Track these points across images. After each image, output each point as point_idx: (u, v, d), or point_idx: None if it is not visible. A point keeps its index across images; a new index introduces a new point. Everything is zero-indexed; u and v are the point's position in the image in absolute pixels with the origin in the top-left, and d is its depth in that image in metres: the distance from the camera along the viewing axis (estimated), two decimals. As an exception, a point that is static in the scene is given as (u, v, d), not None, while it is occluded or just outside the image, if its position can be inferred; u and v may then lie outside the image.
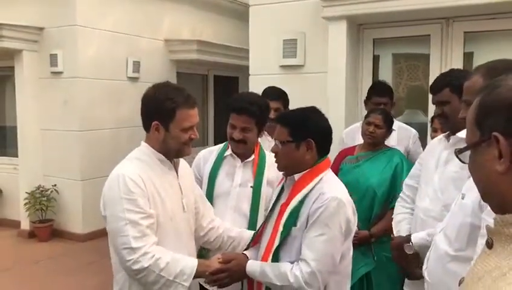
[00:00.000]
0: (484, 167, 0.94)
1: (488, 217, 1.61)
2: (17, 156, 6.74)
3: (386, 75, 4.67)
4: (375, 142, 3.33)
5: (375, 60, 4.72)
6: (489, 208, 1.66)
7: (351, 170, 3.31)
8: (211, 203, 2.64)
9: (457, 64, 4.05)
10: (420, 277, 2.21)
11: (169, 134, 2.07)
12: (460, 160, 1.03)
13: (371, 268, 3.14)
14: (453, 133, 2.41)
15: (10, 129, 7.12)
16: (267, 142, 3.74)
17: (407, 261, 2.47)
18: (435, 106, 2.56)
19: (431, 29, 4.23)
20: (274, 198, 2.25)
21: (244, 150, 2.64)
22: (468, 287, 0.99)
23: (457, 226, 1.84)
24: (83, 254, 5.79)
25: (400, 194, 2.80)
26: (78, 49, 6.21)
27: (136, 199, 1.95)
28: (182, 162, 2.30)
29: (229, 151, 2.69)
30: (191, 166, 2.61)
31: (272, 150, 2.14)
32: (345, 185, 3.17)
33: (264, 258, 2.09)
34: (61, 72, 6.32)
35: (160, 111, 2.06)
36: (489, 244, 0.96)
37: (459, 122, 2.31)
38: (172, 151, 2.13)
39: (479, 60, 4.33)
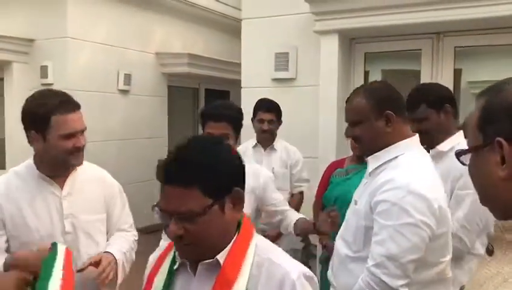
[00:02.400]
0: (485, 171, 0.93)
1: (378, 217, 1.71)
2: (4, 168, 6.65)
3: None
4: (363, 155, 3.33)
5: (366, 75, 4.75)
6: (379, 208, 1.71)
7: (341, 183, 3.31)
8: None
9: (448, 79, 4.08)
10: None
11: (48, 144, 1.94)
12: (460, 162, 1.02)
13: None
14: (432, 146, 2.42)
15: (-2, 142, 7.04)
16: (259, 154, 3.75)
17: None
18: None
19: (422, 44, 4.27)
20: None
21: None
22: None
23: (354, 230, 1.89)
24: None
25: None
26: (68, 61, 6.17)
27: None
28: (87, 175, 2.17)
29: None
30: None
31: None
32: (335, 199, 3.18)
33: None
34: (51, 84, 6.25)
35: (33, 119, 1.92)
36: (489, 251, 0.95)
37: (439, 136, 2.35)
38: (57, 163, 1.99)
39: (469, 76, 4.39)
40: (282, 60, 4.70)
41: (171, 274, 1.36)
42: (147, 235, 4.08)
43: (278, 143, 3.78)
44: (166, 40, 7.55)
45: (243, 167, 1.38)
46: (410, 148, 1.86)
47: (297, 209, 3.67)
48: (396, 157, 1.82)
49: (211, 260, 1.27)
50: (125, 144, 6.89)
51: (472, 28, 4.01)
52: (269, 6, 4.79)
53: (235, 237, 1.33)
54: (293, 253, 3.44)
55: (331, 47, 4.32)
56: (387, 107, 1.85)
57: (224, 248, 1.29)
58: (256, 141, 3.81)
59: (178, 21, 7.71)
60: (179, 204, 1.24)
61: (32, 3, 6.30)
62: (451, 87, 3.39)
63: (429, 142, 2.47)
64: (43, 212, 1.99)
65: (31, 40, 6.34)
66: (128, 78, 6.87)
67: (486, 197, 0.99)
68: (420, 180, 1.73)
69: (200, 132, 8.30)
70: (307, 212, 3.16)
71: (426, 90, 2.53)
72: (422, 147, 1.94)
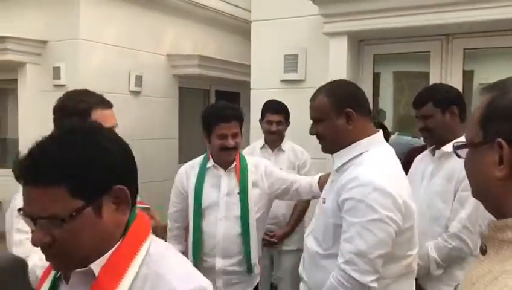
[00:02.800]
0: (481, 168, 0.94)
1: (346, 214, 1.74)
2: (17, 169, 6.73)
3: (388, 92, 4.69)
4: None
5: (376, 77, 4.74)
6: (346, 206, 1.73)
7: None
8: (200, 215, 2.66)
9: (457, 81, 4.07)
10: None
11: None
12: (457, 155, 1.03)
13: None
14: (438, 147, 2.45)
15: (11, 141, 7.14)
16: (267, 155, 3.77)
17: None
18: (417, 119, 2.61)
19: (431, 46, 4.26)
20: None
21: (235, 155, 2.67)
22: None
23: (323, 228, 1.91)
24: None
25: None
26: (81, 62, 6.25)
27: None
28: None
29: (210, 163, 2.71)
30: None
31: None
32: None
33: None
34: (63, 85, 6.34)
35: (74, 113, 2.01)
36: (482, 250, 0.96)
37: (443, 135, 2.38)
38: None
39: (480, 78, 4.38)
40: (291, 61, 4.72)
41: (55, 282, 1.19)
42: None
43: (286, 144, 3.80)
44: (177, 42, 7.61)
45: (129, 159, 1.18)
46: (374, 145, 1.89)
47: (305, 210, 3.70)
48: (360, 154, 1.86)
49: (84, 268, 1.08)
50: (136, 145, 6.84)
51: (481, 30, 3.99)
52: (278, 9, 4.81)
53: (118, 243, 1.11)
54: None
55: (339, 49, 4.32)
56: (348, 105, 1.89)
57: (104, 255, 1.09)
58: (264, 142, 3.83)
59: (189, 23, 7.77)
60: (42, 207, 1.05)
61: (45, 6, 6.40)
62: (460, 89, 3.39)
63: (433, 141, 2.51)
64: None
65: (44, 42, 6.43)
66: (139, 79, 6.94)
67: (479, 193, 1.00)
68: (384, 177, 1.76)
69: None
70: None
71: (435, 90, 2.58)
72: (386, 144, 1.97)
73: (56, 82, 6.37)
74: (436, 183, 2.44)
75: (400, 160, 2.86)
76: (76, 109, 2.01)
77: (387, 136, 3.47)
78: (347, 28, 4.23)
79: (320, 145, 2.05)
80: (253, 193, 2.67)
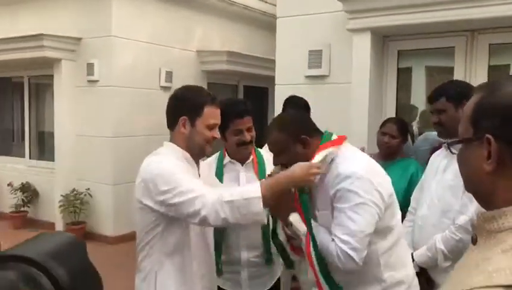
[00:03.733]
0: (472, 163, 0.99)
1: (336, 203, 1.93)
2: (53, 160, 7.03)
3: (420, 87, 4.67)
4: (390, 152, 3.35)
5: (407, 72, 4.75)
6: (336, 197, 1.89)
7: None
8: None
9: (482, 76, 4.05)
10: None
11: (195, 130, 2.14)
12: (450, 150, 1.09)
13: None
14: (452, 152, 2.47)
15: (48, 134, 7.44)
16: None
17: None
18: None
19: (455, 42, 4.24)
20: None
21: (250, 149, 2.72)
22: (448, 279, 1.05)
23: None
24: (113, 256, 5.97)
25: (409, 208, 2.86)
26: (113, 58, 6.47)
27: (176, 170, 2.03)
28: (201, 163, 2.39)
29: (227, 159, 2.75)
30: None
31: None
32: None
33: None
34: (97, 81, 6.59)
35: (189, 106, 2.13)
36: (473, 240, 1.00)
37: (455, 130, 2.39)
38: (196, 149, 2.17)
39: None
40: (315, 57, 4.78)
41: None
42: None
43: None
44: (206, 38, 7.75)
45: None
46: (340, 148, 2.06)
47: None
48: (332, 160, 2.03)
49: None
50: (166, 139, 7.10)
51: (507, 25, 3.95)
52: (303, 5, 4.88)
53: None
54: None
55: (363, 45, 4.36)
56: (300, 133, 2.07)
57: None
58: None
59: (218, 19, 7.90)
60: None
61: (80, 4, 6.64)
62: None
63: (445, 135, 2.54)
64: None
65: (78, 39, 6.67)
66: (169, 75, 7.11)
67: (470, 186, 1.05)
68: (361, 167, 1.98)
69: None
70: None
71: (449, 85, 2.63)
72: (347, 143, 2.12)
73: (90, 78, 6.61)
74: (448, 177, 2.47)
75: (427, 156, 2.93)
76: (189, 102, 2.15)
77: (406, 133, 3.46)
78: (371, 24, 4.26)
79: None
80: None
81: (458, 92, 2.50)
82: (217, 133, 2.21)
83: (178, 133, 2.17)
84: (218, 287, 2.71)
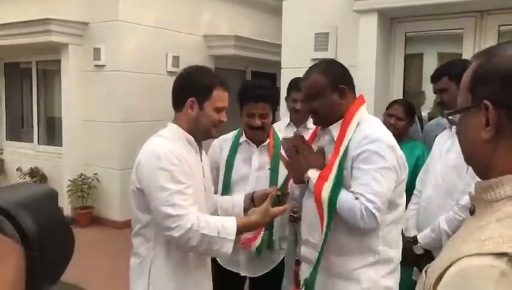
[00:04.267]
0: (470, 131, 0.97)
1: (360, 163, 1.98)
2: (61, 146, 7.07)
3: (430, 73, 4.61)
4: (396, 134, 3.30)
5: (419, 57, 4.66)
6: (361, 157, 1.95)
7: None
8: (229, 189, 2.73)
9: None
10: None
11: (203, 112, 2.11)
12: (449, 121, 1.07)
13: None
14: (453, 124, 2.45)
15: (56, 120, 7.47)
16: (292, 133, 3.80)
17: (418, 260, 2.54)
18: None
19: (464, 23, 4.16)
20: None
21: (263, 136, 2.70)
22: (444, 248, 1.03)
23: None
24: (120, 240, 6.00)
25: (414, 190, 2.83)
26: (120, 43, 6.46)
27: (177, 170, 1.99)
28: (217, 140, 2.42)
29: (243, 138, 2.75)
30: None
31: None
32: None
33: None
34: (103, 66, 6.59)
35: (198, 88, 2.09)
36: (471, 211, 0.99)
37: None
38: (201, 131, 2.15)
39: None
40: (322, 40, 4.71)
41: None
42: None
43: (311, 122, 3.81)
44: (213, 23, 7.71)
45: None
46: (364, 116, 2.09)
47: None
48: (358, 123, 2.05)
49: None
50: (173, 124, 7.12)
51: (516, 6, 3.86)
52: (309, -13, 4.80)
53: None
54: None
55: (370, 26, 4.28)
56: (340, 82, 2.07)
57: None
58: (289, 120, 3.86)
59: (225, 3, 7.84)
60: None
61: (86, -12, 6.61)
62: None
63: None
64: (195, 172, 2.16)
65: (86, 24, 6.66)
66: (176, 60, 7.09)
67: (469, 157, 1.03)
68: (387, 134, 2.04)
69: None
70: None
71: (450, 64, 2.61)
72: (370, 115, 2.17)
73: (97, 62, 6.61)
74: (451, 157, 2.46)
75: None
76: (199, 84, 2.11)
77: (412, 116, 3.41)
78: (377, 5, 4.18)
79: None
80: (283, 170, 2.70)
81: (460, 70, 2.44)
82: (224, 117, 2.17)
83: (184, 114, 2.13)
84: (218, 264, 2.73)
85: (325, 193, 1.97)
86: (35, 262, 0.77)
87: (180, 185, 1.98)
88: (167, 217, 1.94)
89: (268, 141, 2.75)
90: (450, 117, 1.02)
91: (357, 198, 1.92)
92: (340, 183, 1.98)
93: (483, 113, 0.92)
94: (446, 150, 2.52)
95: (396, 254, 2.12)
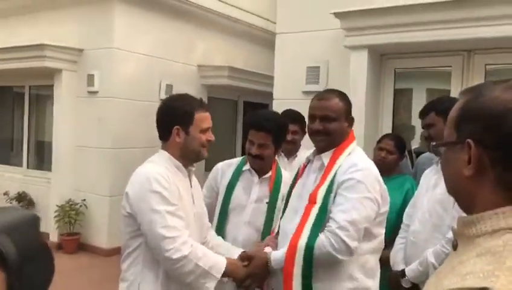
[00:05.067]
0: (453, 166, 1.00)
1: (344, 191, 2.05)
2: (50, 170, 7.02)
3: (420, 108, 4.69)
4: (386, 167, 3.34)
5: (408, 93, 4.76)
6: (345, 185, 2.02)
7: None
8: (226, 215, 2.73)
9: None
10: None
11: (190, 137, 2.17)
12: (435, 153, 1.10)
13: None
14: (439, 156, 2.53)
15: (46, 144, 7.44)
16: (282, 163, 3.83)
17: None
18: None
19: (452, 61, 4.27)
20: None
21: (260, 165, 2.71)
22: (427, 283, 1.04)
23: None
24: (107, 267, 5.92)
25: (401, 224, 2.86)
26: (114, 70, 6.51)
27: (168, 193, 2.04)
28: (194, 177, 2.39)
29: (247, 166, 2.76)
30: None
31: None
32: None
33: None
34: (96, 92, 6.61)
35: (180, 115, 2.17)
36: (454, 246, 1.00)
37: None
38: (192, 155, 2.22)
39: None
40: (313, 73, 4.81)
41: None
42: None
43: (302, 153, 3.84)
44: (207, 53, 7.81)
45: None
46: (356, 148, 2.23)
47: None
48: (349, 153, 2.17)
49: None
50: (164, 152, 7.12)
51: (503, 46, 3.98)
52: (302, 22, 4.92)
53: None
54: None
55: (360, 62, 4.38)
56: (351, 113, 2.23)
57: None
58: (280, 151, 3.89)
59: (220, 35, 7.96)
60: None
61: (81, 15, 6.71)
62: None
63: (435, 149, 2.56)
64: (185, 197, 2.21)
65: (80, 50, 6.72)
66: (170, 88, 7.14)
67: (452, 190, 1.05)
68: (374, 168, 2.14)
69: (239, 142, 8.48)
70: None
71: (437, 101, 2.70)
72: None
73: (90, 89, 6.64)
74: (438, 192, 2.50)
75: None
76: (180, 111, 2.19)
77: (403, 150, 3.46)
78: (368, 41, 4.29)
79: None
80: (280, 206, 2.67)
81: (447, 106, 2.52)
82: (210, 136, 2.24)
83: (172, 142, 2.20)
84: None
85: (302, 240, 2.02)
86: (13, 288, 0.77)
87: (172, 207, 2.03)
88: (162, 239, 1.98)
89: (270, 173, 2.76)
90: (436, 149, 1.07)
91: (322, 231, 2.00)
92: (322, 218, 2.05)
93: (466, 150, 0.94)
94: (433, 184, 2.57)
95: (374, 284, 2.16)
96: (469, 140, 0.93)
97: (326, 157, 2.19)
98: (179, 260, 1.98)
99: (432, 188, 2.58)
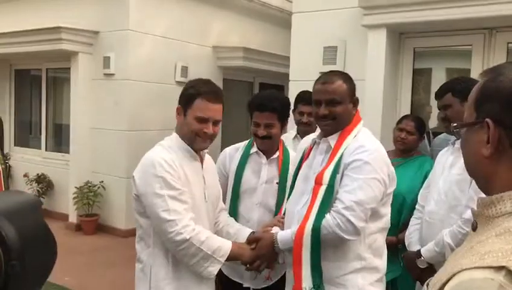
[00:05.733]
0: (473, 146, 0.99)
1: (350, 172, 2.02)
2: (68, 153, 7.11)
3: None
4: (406, 148, 3.33)
5: (428, 72, 4.69)
6: (352, 165, 2.00)
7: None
8: (238, 198, 2.74)
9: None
10: None
11: (186, 120, 2.19)
12: (455, 136, 1.09)
13: (397, 275, 3.13)
14: (458, 138, 2.49)
15: (64, 127, 7.52)
16: (298, 145, 3.81)
17: (421, 274, 2.56)
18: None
19: (473, 40, 4.17)
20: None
21: (269, 146, 2.72)
22: (446, 263, 1.04)
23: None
24: (125, 248, 5.99)
25: (416, 205, 2.84)
26: (129, 52, 6.51)
27: (172, 177, 2.07)
28: (208, 157, 2.40)
29: (254, 149, 2.77)
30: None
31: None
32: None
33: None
34: (113, 74, 6.63)
35: (183, 96, 2.22)
36: (473, 227, 1.01)
37: None
38: (187, 139, 2.22)
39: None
40: (330, 53, 4.74)
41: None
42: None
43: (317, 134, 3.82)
44: (223, 34, 7.75)
45: None
46: (363, 129, 2.19)
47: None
48: (356, 135, 2.13)
49: None
50: (180, 134, 7.14)
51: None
52: (319, 0, 4.85)
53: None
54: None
55: (379, 41, 4.31)
56: (355, 94, 2.20)
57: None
58: (296, 133, 3.87)
59: (235, 15, 7.89)
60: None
61: (98, -2, 6.69)
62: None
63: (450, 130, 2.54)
64: (194, 180, 2.23)
65: (96, 32, 6.73)
66: (185, 70, 7.13)
67: (471, 171, 1.05)
68: (381, 148, 2.12)
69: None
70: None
71: (454, 81, 2.66)
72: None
73: (106, 71, 6.66)
74: (455, 172, 2.49)
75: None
76: (186, 91, 2.22)
77: (422, 131, 3.43)
78: (386, 20, 4.22)
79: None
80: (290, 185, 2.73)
81: (463, 87, 2.53)
82: (208, 128, 2.19)
83: (177, 121, 2.27)
84: (223, 274, 2.75)
85: (309, 222, 2.02)
86: (14, 271, 0.77)
87: (175, 191, 2.07)
88: (164, 221, 2.04)
89: (277, 154, 2.76)
90: (456, 131, 1.05)
91: (329, 211, 1.99)
92: (328, 199, 2.04)
93: (485, 130, 0.95)
94: (449, 165, 2.55)
95: (382, 263, 2.17)
96: (487, 120, 0.94)
97: (333, 139, 2.17)
98: (181, 243, 2.03)
99: (448, 168, 2.55)
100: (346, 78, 2.20)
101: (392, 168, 2.13)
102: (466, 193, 2.38)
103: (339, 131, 2.15)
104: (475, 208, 2.36)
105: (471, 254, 0.88)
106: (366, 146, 2.04)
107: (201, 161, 2.31)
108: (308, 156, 2.32)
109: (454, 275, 0.85)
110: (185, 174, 2.15)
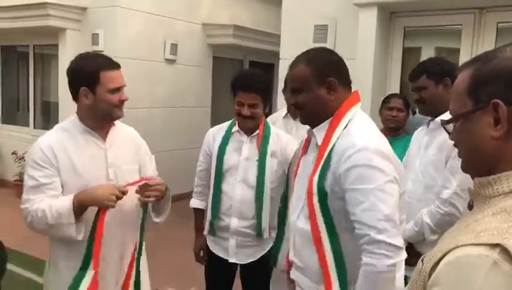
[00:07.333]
0: (476, 134, 0.99)
1: (357, 184, 1.65)
2: (58, 130, 7.03)
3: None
4: (398, 126, 3.40)
5: (417, 51, 4.69)
6: (353, 175, 1.62)
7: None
8: (221, 177, 2.78)
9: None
10: (414, 264, 2.29)
11: (98, 98, 2.13)
12: (446, 131, 1.07)
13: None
14: (432, 118, 2.53)
15: (52, 104, 7.45)
16: (289, 124, 3.83)
17: None
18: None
19: (463, 19, 4.17)
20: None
21: (252, 125, 2.74)
22: (441, 240, 1.06)
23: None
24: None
25: None
26: (118, 29, 6.43)
27: (38, 167, 2.12)
28: (122, 131, 2.38)
29: (236, 128, 2.79)
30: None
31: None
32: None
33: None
34: (101, 51, 6.51)
35: (84, 76, 2.12)
36: (470, 206, 1.04)
37: (436, 107, 2.44)
38: (103, 116, 2.19)
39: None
40: (321, 32, 4.72)
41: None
42: (180, 201, 4.27)
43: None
44: (212, 12, 7.68)
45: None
46: (356, 115, 1.81)
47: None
48: (346, 126, 1.78)
49: None
50: (169, 112, 7.12)
51: (516, 4, 3.88)
52: (310, -22, 4.80)
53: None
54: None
55: (369, 20, 4.29)
56: (330, 74, 1.78)
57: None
58: (286, 111, 3.88)
59: (225, -8, 7.80)
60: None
61: (85, -27, 6.56)
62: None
63: (426, 112, 2.59)
64: (89, 161, 2.21)
65: (84, 9, 6.63)
66: (174, 47, 7.07)
67: (471, 160, 1.05)
68: (378, 140, 1.74)
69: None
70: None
71: (429, 62, 2.66)
72: (365, 113, 1.89)
73: (95, 48, 6.56)
74: (430, 153, 2.52)
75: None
76: (84, 72, 2.14)
77: (409, 108, 3.49)
78: (377, -2, 4.19)
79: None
80: (271, 162, 2.74)
81: (438, 69, 2.55)
82: (123, 95, 2.20)
83: (81, 104, 2.19)
84: (210, 251, 2.84)
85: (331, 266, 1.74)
86: None
87: (32, 181, 2.12)
88: (23, 206, 2.15)
89: (258, 131, 2.77)
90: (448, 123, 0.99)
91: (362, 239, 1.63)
92: (326, 212, 1.74)
93: (490, 113, 0.95)
94: (425, 145, 2.58)
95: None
96: (496, 100, 0.94)
97: (318, 133, 1.84)
98: (32, 228, 2.14)
99: (423, 148, 2.59)
100: (313, 57, 1.83)
101: (397, 160, 1.78)
102: (442, 173, 2.42)
103: (320, 122, 1.83)
104: (452, 189, 2.41)
105: (467, 231, 0.91)
106: (358, 144, 1.67)
107: (105, 138, 2.27)
108: (304, 151, 2.02)
109: (449, 251, 0.88)
110: (71, 160, 2.15)
